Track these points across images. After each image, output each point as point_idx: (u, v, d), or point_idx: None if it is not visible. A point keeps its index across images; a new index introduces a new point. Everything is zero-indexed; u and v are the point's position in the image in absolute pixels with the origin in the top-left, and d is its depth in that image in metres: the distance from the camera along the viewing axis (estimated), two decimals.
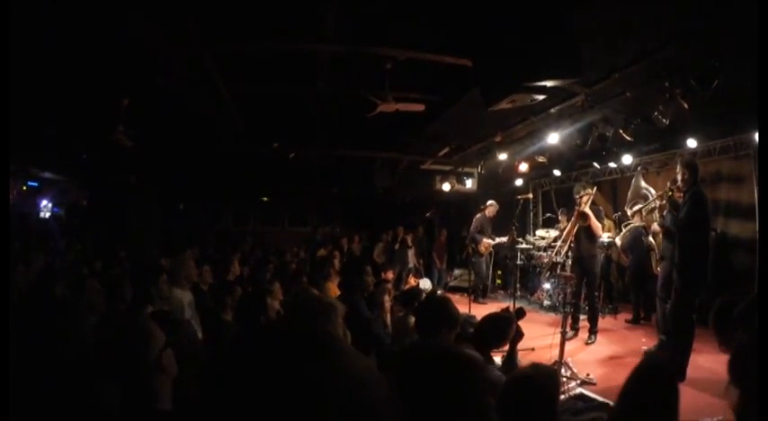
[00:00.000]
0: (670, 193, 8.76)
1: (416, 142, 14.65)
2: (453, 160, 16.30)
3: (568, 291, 9.89)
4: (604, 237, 11.87)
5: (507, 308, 6.19)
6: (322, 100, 11.16)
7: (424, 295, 7.69)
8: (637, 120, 10.00)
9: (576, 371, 7.94)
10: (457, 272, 18.60)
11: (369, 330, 6.48)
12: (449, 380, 2.55)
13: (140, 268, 8.78)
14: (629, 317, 12.34)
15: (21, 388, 2.76)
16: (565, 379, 7.59)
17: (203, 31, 7.70)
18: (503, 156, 14.02)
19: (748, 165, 11.11)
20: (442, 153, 15.79)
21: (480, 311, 8.67)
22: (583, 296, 11.10)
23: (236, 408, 1.08)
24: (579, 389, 7.43)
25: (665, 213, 9.00)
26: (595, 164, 14.21)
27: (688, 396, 6.25)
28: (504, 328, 5.08)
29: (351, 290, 6.93)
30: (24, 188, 19.81)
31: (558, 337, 7.93)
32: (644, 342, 10.04)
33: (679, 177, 8.15)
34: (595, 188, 11.05)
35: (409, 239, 18.41)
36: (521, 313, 5.73)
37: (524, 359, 7.78)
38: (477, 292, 15.42)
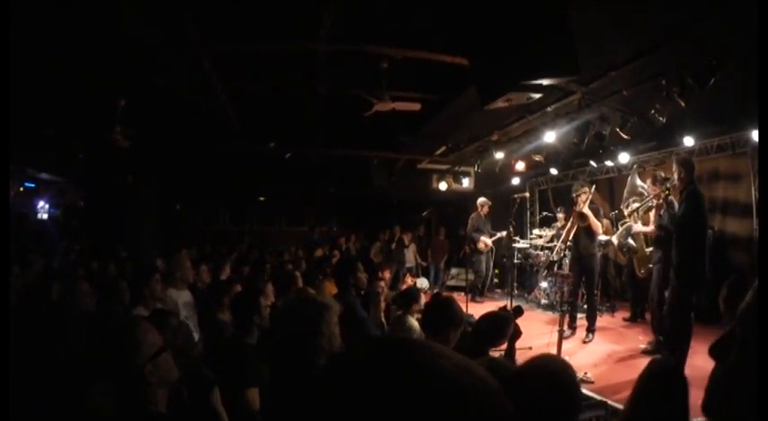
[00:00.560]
0: (666, 192, 8.76)
1: (413, 141, 14.64)
2: (450, 159, 16.29)
3: (566, 289, 9.89)
4: (602, 236, 11.87)
5: (505, 306, 6.19)
6: (319, 99, 11.15)
7: (421, 294, 7.70)
8: (633, 119, 10.01)
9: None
10: (454, 271, 18.59)
11: (364, 330, 6.48)
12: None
13: (136, 269, 8.78)
14: (627, 315, 12.34)
15: (14, 389, 2.76)
16: None
17: (200, 31, 7.69)
18: (499, 155, 14.01)
19: (745, 164, 11.12)
20: (438, 152, 15.79)
21: (478, 310, 8.67)
22: (580, 294, 11.10)
23: None
24: None
25: (661, 212, 8.99)
26: (592, 162, 14.21)
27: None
28: (502, 327, 5.06)
29: (345, 288, 6.92)
30: (21, 189, 19.79)
31: (555, 336, 7.93)
32: (641, 340, 10.04)
33: (675, 176, 8.15)
34: (594, 186, 11.05)
35: (406, 239, 18.41)
36: (518, 311, 5.72)
37: (522, 358, 7.77)
38: (475, 291, 15.40)
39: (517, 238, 15.99)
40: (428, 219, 22.28)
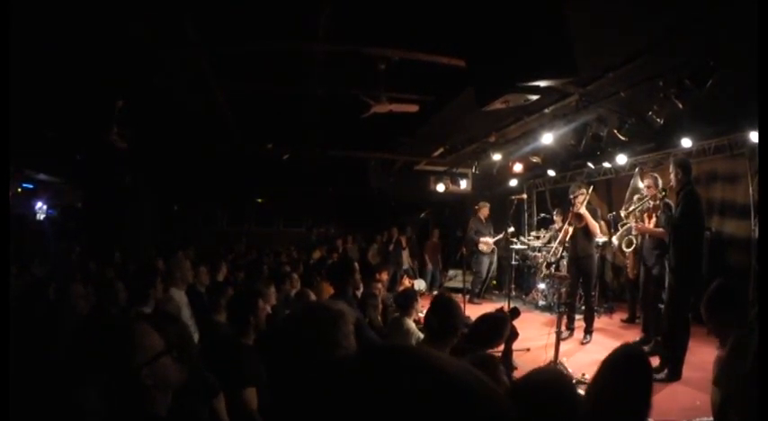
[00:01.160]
0: (663, 194, 8.77)
1: (411, 143, 14.65)
2: (447, 161, 16.30)
3: (563, 290, 9.89)
4: (599, 238, 11.87)
5: (502, 308, 6.18)
6: (316, 100, 11.16)
7: (418, 296, 7.71)
8: (631, 120, 10.02)
9: (571, 371, 7.92)
10: (451, 272, 18.60)
11: (360, 332, 6.48)
12: None
13: (137, 270, 8.78)
14: (625, 316, 12.34)
15: (11, 389, 2.76)
16: None
17: (199, 32, 7.70)
18: (497, 157, 14.02)
19: (743, 165, 11.12)
20: (436, 154, 15.81)
21: (475, 312, 8.66)
22: (578, 296, 11.10)
23: None
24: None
25: (658, 213, 9.00)
26: (590, 164, 14.23)
27: (683, 395, 6.26)
28: (499, 328, 5.07)
29: (342, 290, 6.92)
30: (19, 190, 19.78)
31: (553, 337, 7.93)
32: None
33: (672, 177, 8.17)
34: (591, 188, 11.05)
35: (404, 240, 18.42)
36: (515, 313, 5.73)
37: (519, 359, 7.80)
38: (473, 293, 15.40)
39: (515, 240, 15.99)
40: (426, 220, 22.30)
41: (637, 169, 11.12)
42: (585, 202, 10.39)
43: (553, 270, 11.04)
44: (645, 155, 13.19)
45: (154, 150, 14.72)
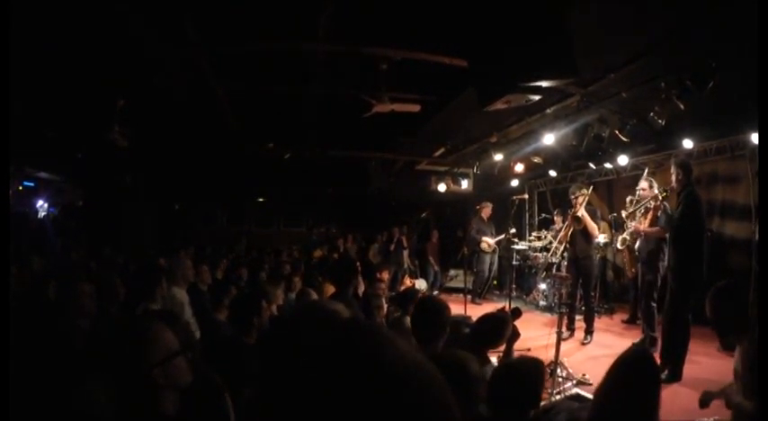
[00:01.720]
0: (664, 194, 8.77)
1: (412, 143, 14.65)
2: (448, 161, 16.29)
3: (564, 291, 9.89)
4: (600, 239, 11.87)
5: (503, 308, 6.18)
6: (317, 100, 11.16)
7: (419, 295, 7.70)
8: (632, 121, 10.01)
9: (572, 371, 7.93)
10: (452, 272, 18.60)
11: None
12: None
13: (140, 268, 8.78)
14: (625, 317, 12.34)
15: (13, 389, 2.75)
16: (561, 379, 7.59)
17: (199, 31, 7.69)
18: (498, 157, 14.01)
19: (744, 166, 11.13)
20: (437, 153, 15.80)
21: (476, 312, 8.68)
22: (579, 296, 11.11)
23: None
24: (575, 390, 7.43)
25: (659, 214, 9.00)
26: (591, 164, 14.22)
27: (683, 396, 6.25)
28: (500, 328, 5.07)
29: (344, 289, 6.91)
30: (20, 188, 19.78)
31: (553, 337, 7.92)
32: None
33: (673, 178, 8.17)
34: (591, 188, 11.05)
35: (405, 240, 18.42)
36: (517, 313, 5.73)
37: None
38: (475, 293, 15.40)
39: (516, 240, 15.98)
40: (426, 220, 22.29)
41: (646, 171, 11.11)
42: (585, 203, 10.38)
43: (554, 270, 11.03)
44: (646, 156, 13.19)
45: (154, 149, 14.73)
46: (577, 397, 7.08)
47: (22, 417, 2.58)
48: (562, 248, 10.60)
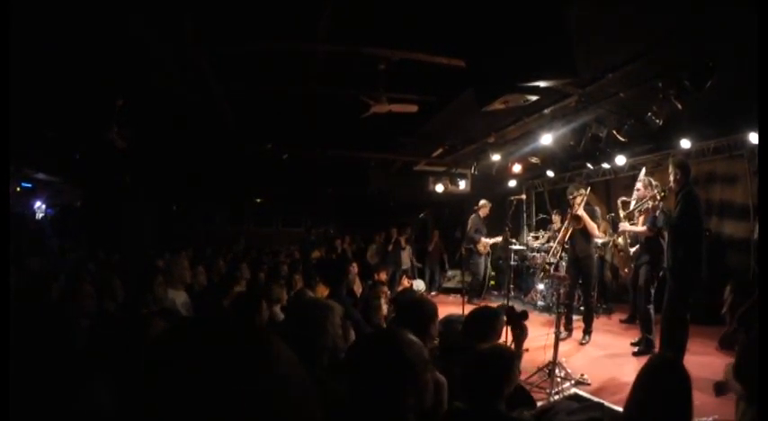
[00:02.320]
0: (663, 194, 8.78)
1: (410, 143, 14.66)
2: (446, 161, 16.31)
3: (562, 291, 9.88)
4: (599, 239, 11.87)
5: (512, 307, 6.16)
6: (316, 101, 11.17)
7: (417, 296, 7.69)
8: (630, 121, 10.02)
9: (570, 371, 7.92)
10: (450, 273, 18.60)
11: (357, 330, 6.48)
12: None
13: (137, 269, 8.78)
14: (624, 317, 12.34)
15: (14, 389, 2.75)
16: (559, 379, 7.59)
17: (199, 31, 7.70)
18: (496, 157, 14.01)
19: (742, 166, 11.15)
20: (435, 154, 15.82)
21: None
22: (577, 296, 11.10)
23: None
24: (574, 390, 7.42)
25: (656, 214, 9.01)
26: (589, 164, 14.23)
27: None
28: (490, 321, 5.04)
29: (337, 289, 6.91)
30: (18, 189, 19.78)
31: (552, 338, 7.92)
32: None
33: (671, 178, 8.17)
34: (589, 189, 11.06)
35: (403, 240, 18.40)
36: (524, 315, 5.71)
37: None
38: (473, 293, 15.39)
39: (514, 240, 15.98)
40: (425, 220, 22.28)
41: (643, 170, 11.11)
42: (584, 203, 10.39)
43: (552, 270, 11.02)
44: (644, 155, 13.20)
45: (153, 150, 14.72)
46: (576, 397, 7.08)
47: (22, 418, 2.59)
48: (561, 249, 10.59)
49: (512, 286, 14.63)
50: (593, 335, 10.42)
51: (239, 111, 12.04)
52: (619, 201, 10.10)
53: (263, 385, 1.05)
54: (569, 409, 5.11)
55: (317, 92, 10.56)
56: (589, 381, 7.69)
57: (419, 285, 15.33)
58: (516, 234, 16.88)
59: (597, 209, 11.41)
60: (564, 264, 11.28)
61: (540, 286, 14.51)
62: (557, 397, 7.08)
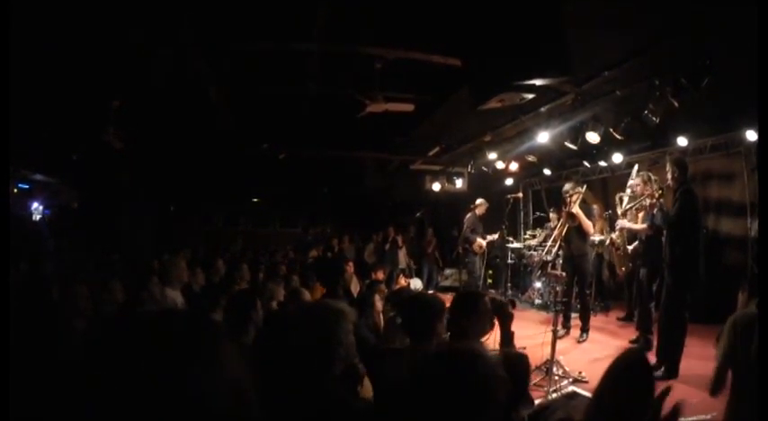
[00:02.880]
0: (660, 192, 8.78)
1: (406, 142, 14.66)
2: (443, 160, 16.31)
3: (558, 289, 9.88)
4: (596, 237, 11.88)
5: (495, 298, 6.13)
6: (312, 100, 11.16)
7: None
8: (627, 119, 10.02)
9: (568, 369, 7.93)
10: (448, 271, 18.62)
11: (355, 332, 6.47)
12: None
13: (133, 269, 8.79)
14: (621, 314, 12.35)
15: (13, 389, 2.75)
16: (557, 377, 7.60)
17: (194, 32, 7.69)
18: (492, 156, 14.00)
19: (739, 163, 11.15)
20: (431, 153, 15.82)
21: None
22: (574, 294, 11.10)
23: None
24: (571, 388, 7.43)
25: (654, 212, 9.02)
26: (585, 163, 14.23)
27: (680, 393, 6.24)
28: (473, 301, 5.00)
29: (333, 289, 6.91)
30: (15, 190, 19.74)
31: (549, 336, 7.92)
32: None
33: (669, 175, 8.17)
34: (585, 186, 11.05)
35: (400, 240, 18.40)
36: (513, 303, 5.69)
37: None
38: None
39: (510, 239, 15.98)
40: (421, 219, 22.29)
41: (635, 167, 11.13)
42: (579, 201, 10.39)
43: (549, 269, 11.02)
44: (641, 153, 13.20)
45: (150, 150, 14.71)
46: (573, 395, 7.08)
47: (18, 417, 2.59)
48: (557, 247, 10.59)
49: (509, 284, 14.65)
50: (591, 333, 10.44)
51: (236, 112, 12.03)
52: (617, 197, 10.10)
53: (188, 390, 1.04)
54: (566, 406, 5.09)
55: (313, 91, 10.55)
56: (587, 379, 7.69)
57: (416, 284, 15.32)
58: (513, 232, 16.88)
59: (594, 207, 11.43)
60: (560, 261, 11.28)
61: (538, 284, 14.55)
62: (555, 395, 7.09)
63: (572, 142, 11.19)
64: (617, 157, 12.91)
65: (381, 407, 4.36)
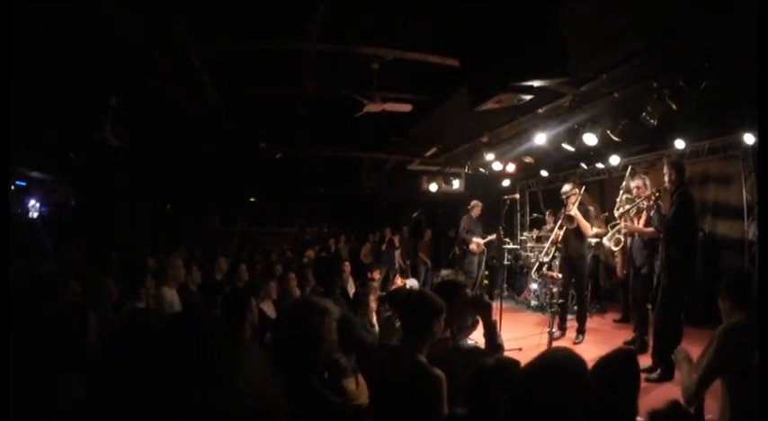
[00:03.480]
0: (657, 194, 8.78)
1: (403, 142, 14.65)
2: (440, 160, 16.30)
3: (555, 290, 9.89)
4: (593, 238, 11.87)
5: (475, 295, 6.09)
6: (309, 100, 11.15)
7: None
8: (625, 121, 10.01)
9: None
10: (444, 272, 18.58)
11: (350, 330, 6.45)
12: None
13: (127, 267, 8.76)
14: (617, 316, 12.35)
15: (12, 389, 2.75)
16: None
17: (191, 31, 7.68)
18: (490, 157, 13.99)
19: (736, 166, 11.17)
20: (428, 153, 15.80)
21: None
22: (571, 296, 11.10)
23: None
24: None
25: (651, 214, 9.02)
26: (583, 164, 14.23)
27: (675, 395, 6.24)
28: (452, 290, 4.99)
29: (330, 289, 6.88)
30: (12, 188, 19.71)
31: (545, 337, 7.94)
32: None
33: (666, 178, 8.17)
34: (583, 188, 11.06)
35: (396, 240, 18.39)
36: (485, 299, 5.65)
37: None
38: None
39: (507, 240, 15.97)
40: (418, 220, 22.28)
41: (629, 169, 11.14)
42: (577, 203, 10.40)
43: (545, 270, 11.02)
44: (638, 155, 13.21)
45: (146, 149, 14.70)
46: None
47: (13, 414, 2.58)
48: (554, 249, 10.59)
49: (505, 285, 14.65)
50: (587, 335, 10.44)
51: (233, 111, 12.00)
52: (619, 199, 10.11)
53: (223, 399, 1.03)
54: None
55: (310, 91, 10.54)
56: None
57: (413, 284, 15.32)
58: (510, 233, 16.88)
59: (591, 208, 11.41)
60: (557, 263, 11.28)
61: (534, 286, 14.53)
62: None
63: (569, 144, 11.17)
64: (614, 159, 12.92)
65: (377, 403, 4.36)
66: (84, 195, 21.29)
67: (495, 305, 8.53)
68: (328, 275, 6.88)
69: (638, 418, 3.39)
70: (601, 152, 12.61)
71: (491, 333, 4.87)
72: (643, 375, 4.94)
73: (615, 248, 10.53)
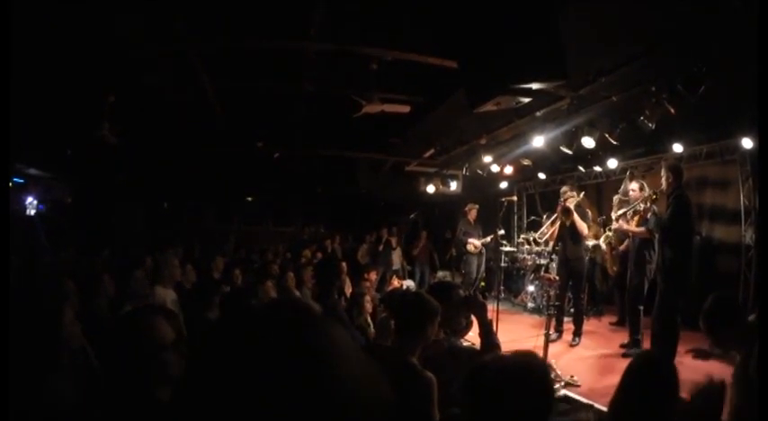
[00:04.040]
0: (654, 197, 8.79)
1: (401, 143, 14.65)
2: (438, 162, 16.29)
3: (551, 292, 9.89)
4: (590, 241, 11.88)
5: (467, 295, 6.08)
6: (307, 100, 11.15)
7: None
8: (622, 124, 10.02)
9: (560, 373, 7.92)
10: (441, 274, 18.58)
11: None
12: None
13: (123, 265, 8.76)
14: (614, 319, 12.35)
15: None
16: None
17: (189, 29, 7.68)
18: (487, 159, 13.99)
19: (734, 170, 11.18)
20: (426, 155, 15.79)
21: None
22: (567, 298, 11.10)
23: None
24: (564, 392, 7.42)
25: (648, 216, 9.03)
26: (580, 167, 14.24)
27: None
28: (446, 292, 5.00)
29: (327, 290, 6.89)
30: (10, 184, 19.67)
31: (542, 339, 7.92)
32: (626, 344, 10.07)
33: (663, 181, 8.19)
34: (582, 194, 11.10)
35: (393, 241, 18.38)
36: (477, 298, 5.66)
37: None
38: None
39: (504, 242, 15.97)
40: (415, 221, 22.27)
41: (628, 173, 11.15)
42: (575, 204, 10.41)
43: (543, 272, 11.03)
44: (636, 159, 13.22)
45: (144, 147, 14.68)
46: (566, 398, 7.08)
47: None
48: (551, 247, 10.59)
49: (502, 287, 14.65)
50: (584, 337, 10.44)
51: (230, 110, 12.00)
52: (615, 199, 10.13)
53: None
54: (559, 410, 5.10)
55: (308, 91, 10.54)
56: (579, 383, 7.70)
57: (410, 285, 15.31)
58: (507, 236, 16.88)
59: (588, 211, 11.42)
60: (554, 265, 11.29)
61: (531, 288, 14.53)
62: None
63: (567, 147, 11.17)
64: (612, 163, 12.92)
65: None
66: (80, 193, 21.25)
67: (492, 307, 8.56)
68: (327, 276, 6.90)
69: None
70: (598, 155, 12.62)
71: (487, 331, 4.87)
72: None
73: (603, 245, 10.54)
